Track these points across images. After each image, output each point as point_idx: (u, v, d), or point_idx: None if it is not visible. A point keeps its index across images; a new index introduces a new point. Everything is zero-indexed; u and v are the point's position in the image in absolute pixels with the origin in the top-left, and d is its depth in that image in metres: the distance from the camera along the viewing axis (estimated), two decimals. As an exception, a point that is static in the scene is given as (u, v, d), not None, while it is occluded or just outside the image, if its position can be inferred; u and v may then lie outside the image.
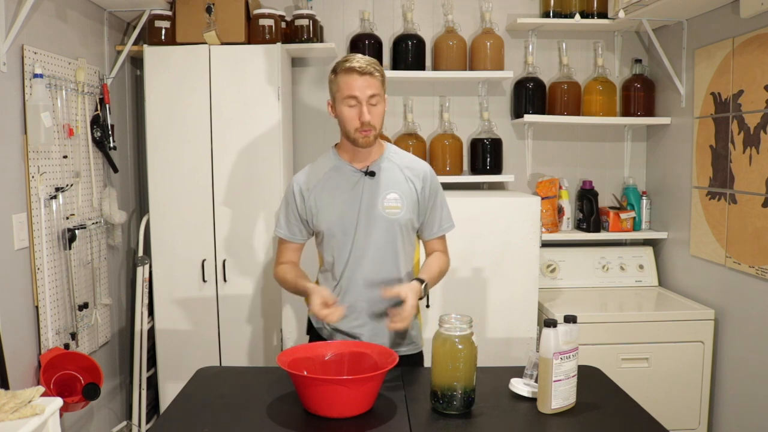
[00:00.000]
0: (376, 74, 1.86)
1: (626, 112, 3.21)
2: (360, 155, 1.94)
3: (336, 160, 1.97)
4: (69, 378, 2.34)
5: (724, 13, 2.64)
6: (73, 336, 2.51)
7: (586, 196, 3.23)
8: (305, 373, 1.61)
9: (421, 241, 2.07)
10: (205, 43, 2.80)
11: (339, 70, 1.87)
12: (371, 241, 1.91)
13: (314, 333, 2.05)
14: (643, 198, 3.24)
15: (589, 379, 1.81)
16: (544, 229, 3.09)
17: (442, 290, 2.64)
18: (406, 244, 1.96)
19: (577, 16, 3.03)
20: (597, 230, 3.19)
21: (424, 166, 2.01)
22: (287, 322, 2.78)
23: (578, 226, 3.30)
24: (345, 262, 1.93)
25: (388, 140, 3.16)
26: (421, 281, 1.87)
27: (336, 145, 2.02)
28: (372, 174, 1.92)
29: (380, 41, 3.12)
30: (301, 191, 1.96)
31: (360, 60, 1.85)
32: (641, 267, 3.19)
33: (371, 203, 1.91)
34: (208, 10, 2.76)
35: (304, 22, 2.96)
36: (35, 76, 2.25)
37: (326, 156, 2.01)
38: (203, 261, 2.89)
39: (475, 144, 3.18)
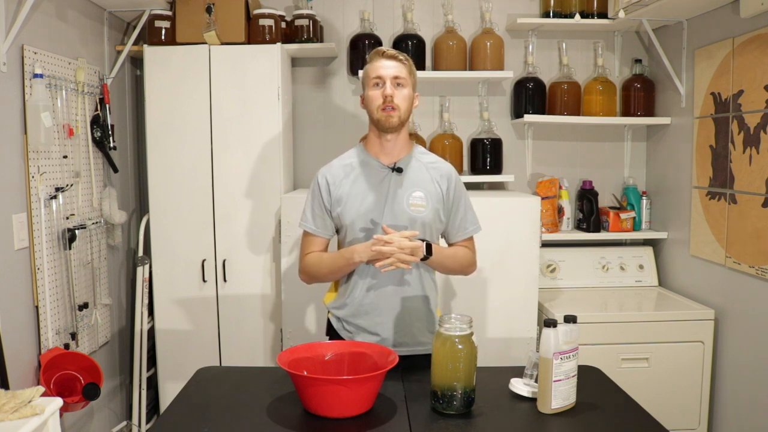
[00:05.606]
0: (403, 60, 1.92)
1: (626, 112, 3.21)
2: (387, 149, 1.95)
3: (363, 155, 1.98)
4: (69, 378, 2.34)
5: (724, 13, 2.64)
6: (73, 336, 2.51)
7: (586, 196, 3.23)
8: (305, 373, 1.61)
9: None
10: (205, 43, 2.80)
11: (369, 59, 1.95)
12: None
13: (334, 334, 2.03)
14: (643, 198, 3.24)
15: (589, 379, 1.81)
16: (544, 229, 3.09)
17: (442, 290, 2.64)
18: None
19: (577, 16, 3.03)
20: (597, 230, 3.19)
21: (448, 167, 2.02)
22: (287, 322, 2.78)
23: (578, 226, 3.30)
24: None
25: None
26: (424, 240, 1.86)
27: (363, 141, 2.03)
28: (399, 170, 1.94)
29: (380, 41, 3.12)
30: (327, 184, 1.96)
31: (389, 48, 1.94)
32: (641, 267, 3.19)
33: (397, 199, 1.91)
34: (208, 10, 2.76)
35: (304, 22, 2.97)
36: (35, 76, 2.25)
37: (353, 151, 2.02)
38: (203, 261, 2.89)
39: (475, 144, 3.18)
